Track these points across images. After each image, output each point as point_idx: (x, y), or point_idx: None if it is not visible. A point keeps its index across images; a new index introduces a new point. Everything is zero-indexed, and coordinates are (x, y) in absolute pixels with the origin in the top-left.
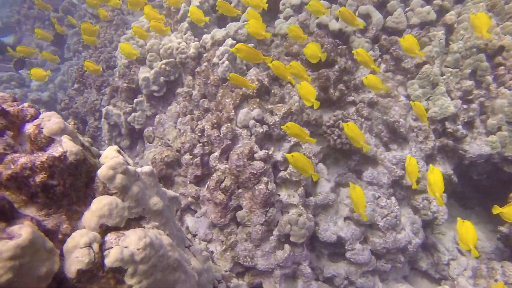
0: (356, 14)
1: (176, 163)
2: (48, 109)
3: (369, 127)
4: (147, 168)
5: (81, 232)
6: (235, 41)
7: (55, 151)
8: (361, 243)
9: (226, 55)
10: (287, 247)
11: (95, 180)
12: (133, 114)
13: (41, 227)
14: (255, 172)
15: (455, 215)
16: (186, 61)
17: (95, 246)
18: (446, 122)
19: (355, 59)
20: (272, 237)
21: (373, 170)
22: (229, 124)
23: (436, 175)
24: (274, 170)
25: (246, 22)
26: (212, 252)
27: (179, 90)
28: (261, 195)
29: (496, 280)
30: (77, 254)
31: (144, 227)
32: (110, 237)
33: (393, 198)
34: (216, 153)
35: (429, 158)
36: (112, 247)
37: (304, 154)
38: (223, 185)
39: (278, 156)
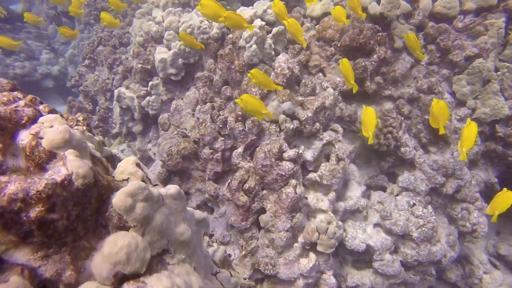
0: None
1: (194, 156)
2: (58, 84)
3: (408, 126)
4: (173, 189)
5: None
6: (264, 22)
7: (57, 173)
8: (391, 253)
9: (255, 38)
10: (312, 256)
11: (108, 206)
12: (147, 98)
13: (37, 277)
14: (283, 173)
15: (493, 226)
16: (208, 42)
17: None
18: (497, 125)
19: (395, 48)
20: (296, 244)
21: (410, 175)
22: (254, 118)
23: (471, 130)
24: (302, 170)
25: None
26: (229, 256)
27: (198, 74)
28: (289, 200)
29: None
30: None
31: (168, 264)
32: None
33: (430, 207)
34: (240, 149)
35: (471, 164)
36: None
37: (337, 154)
38: (246, 185)
39: (308, 155)
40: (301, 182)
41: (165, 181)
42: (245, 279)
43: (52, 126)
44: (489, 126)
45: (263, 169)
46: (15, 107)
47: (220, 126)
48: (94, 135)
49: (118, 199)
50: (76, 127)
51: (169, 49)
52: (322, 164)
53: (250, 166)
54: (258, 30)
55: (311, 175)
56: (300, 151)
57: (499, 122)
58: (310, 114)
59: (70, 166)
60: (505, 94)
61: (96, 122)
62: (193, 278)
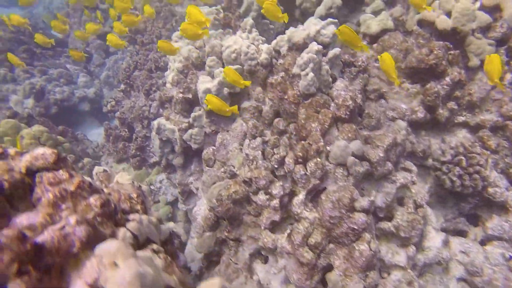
0: (478, 5)
1: (246, 200)
2: (93, 106)
3: (495, 161)
4: None
5: None
6: (320, 46)
7: None
8: None
9: (311, 64)
10: None
11: None
12: (189, 131)
13: None
14: (355, 227)
15: None
16: (256, 68)
17: None
18: None
19: (469, 67)
20: None
21: (503, 221)
22: (319, 160)
23: (495, 60)
24: (373, 216)
25: (332, 20)
26: None
27: (245, 104)
28: (363, 258)
29: None
30: None
31: None
32: None
33: None
34: (301, 196)
35: None
36: None
37: (415, 200)
38: (312, 240)
39: (378, 201)
40: (374, 235)
41: (213, 227)
42: None
43: (115, 263)
44: None
45: (331, 221)
46: (62, 229)
47: (276, 166)
48: (150, 209)
49: None
50: (131, 216)
51: (212, 76)
52: (398, 212)
53: (314, 217)
54: (315, 56)
55: (385, 225)
56: (372, 198)
57: None
58: (381, 154)
59: None
60: None
61: (134, 151)
62: None
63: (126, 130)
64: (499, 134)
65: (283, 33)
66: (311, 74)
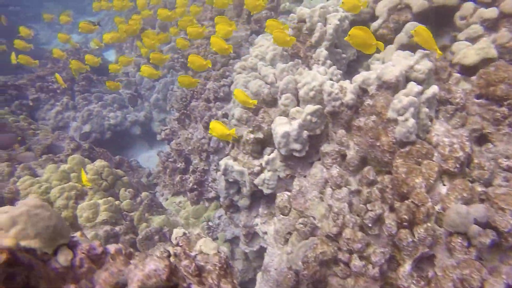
0: None
1: (333, 261)
2: (144, 129)
3: None
4: None
5: None
6: (421, 87)
7: None
8: None
9: (412, 109)
10: None
11: None
12: (262, 175)
13: None
14: None
15: None
16: (340, 109)
17: None
18: None
19: None
20: None
21: None
22: (429, 225)
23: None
24: None
25: (425, 52)
26: None
27: (326, 148)
28: None
29: None
30: None
31: None
32: None
33: None
34: (408, 267)
35: None
36: None
37: None
38: None
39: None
40: None
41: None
42: None
43: None
44: None
45: None
46: None
47: (369, 225)
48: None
49: None
50: None
51: (287, 115)
52: None
53: None
54: (416, 99)
55: None
56: (505, 278)
57: None
58: (511, 220)
59: None
60: None
61: (191, 185)
62: None
63: (183, 162)
64: None
65: (356, 62)
66: (411, 120)
